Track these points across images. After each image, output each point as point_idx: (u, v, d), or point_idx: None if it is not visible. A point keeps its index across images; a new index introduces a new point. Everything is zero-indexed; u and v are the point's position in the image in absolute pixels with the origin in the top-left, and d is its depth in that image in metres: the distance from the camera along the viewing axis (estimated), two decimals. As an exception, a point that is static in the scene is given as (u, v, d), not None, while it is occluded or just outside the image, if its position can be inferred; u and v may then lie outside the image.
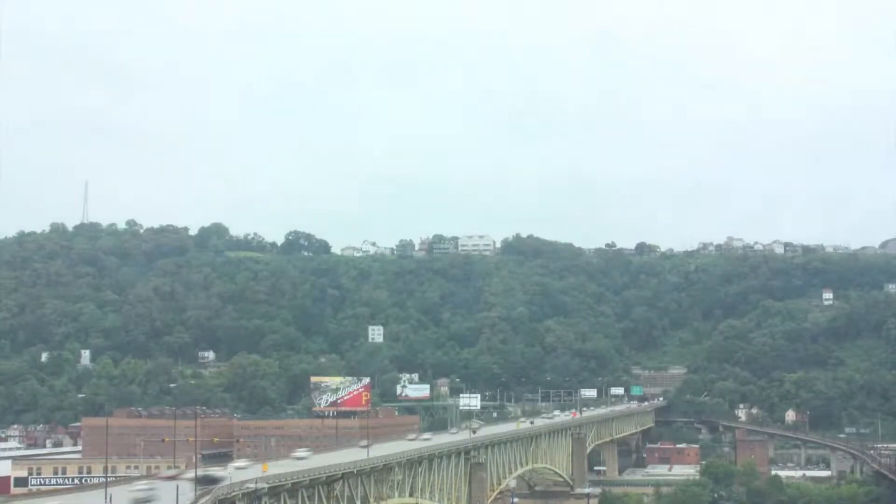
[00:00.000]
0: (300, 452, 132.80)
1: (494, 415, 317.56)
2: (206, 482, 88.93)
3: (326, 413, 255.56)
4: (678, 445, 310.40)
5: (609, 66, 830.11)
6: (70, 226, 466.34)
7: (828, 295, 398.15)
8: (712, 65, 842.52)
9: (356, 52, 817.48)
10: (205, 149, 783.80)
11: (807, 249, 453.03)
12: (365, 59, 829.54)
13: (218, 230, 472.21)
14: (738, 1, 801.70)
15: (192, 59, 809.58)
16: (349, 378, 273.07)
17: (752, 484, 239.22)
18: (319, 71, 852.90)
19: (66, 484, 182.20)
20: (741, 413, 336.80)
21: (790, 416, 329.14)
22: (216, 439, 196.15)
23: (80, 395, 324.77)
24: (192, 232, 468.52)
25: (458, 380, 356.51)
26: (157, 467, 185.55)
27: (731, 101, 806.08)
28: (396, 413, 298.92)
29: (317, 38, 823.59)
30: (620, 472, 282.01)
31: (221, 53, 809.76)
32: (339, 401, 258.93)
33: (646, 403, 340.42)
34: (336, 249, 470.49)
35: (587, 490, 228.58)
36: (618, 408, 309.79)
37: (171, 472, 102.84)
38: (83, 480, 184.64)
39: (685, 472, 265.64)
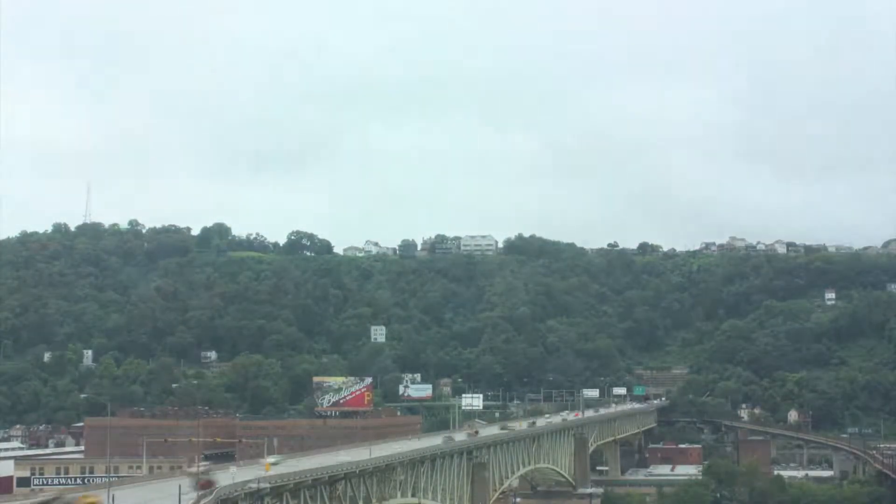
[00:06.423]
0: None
1: (497, 415, 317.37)
2: None
3: (329, 413, 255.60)
4: (681, 445, 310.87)
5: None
6: (72, 226, 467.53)
7: (830, 295, 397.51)
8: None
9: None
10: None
11: (809, 249, 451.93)
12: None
13: (220, 230, 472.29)
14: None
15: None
16: (351, 378, 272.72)
17: (755, 484, 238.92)
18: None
19: (68, 484, 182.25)
20: (743, 413, 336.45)
21: (793, 416, 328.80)
22: (219, 439, 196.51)
23: (83, 396, 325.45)
24: (195, 232, 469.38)
25: (460, 380, 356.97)
26: (159, 467, 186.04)
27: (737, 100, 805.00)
28: (399, 413, 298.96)
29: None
30: (623, 472, 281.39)
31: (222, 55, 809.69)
32: (341, 401, 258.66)
33: (647, 403, 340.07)
34: (338, 249, 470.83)
35: (590, 490, 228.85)
36: (620, 408, 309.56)
37: None
38: (86, 480, 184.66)
39: (688, 472, 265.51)
